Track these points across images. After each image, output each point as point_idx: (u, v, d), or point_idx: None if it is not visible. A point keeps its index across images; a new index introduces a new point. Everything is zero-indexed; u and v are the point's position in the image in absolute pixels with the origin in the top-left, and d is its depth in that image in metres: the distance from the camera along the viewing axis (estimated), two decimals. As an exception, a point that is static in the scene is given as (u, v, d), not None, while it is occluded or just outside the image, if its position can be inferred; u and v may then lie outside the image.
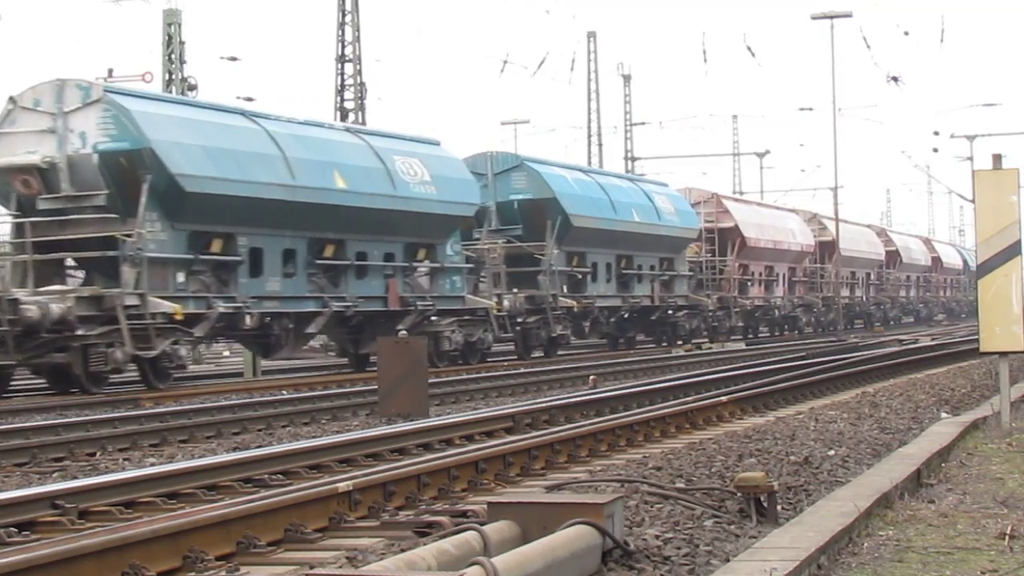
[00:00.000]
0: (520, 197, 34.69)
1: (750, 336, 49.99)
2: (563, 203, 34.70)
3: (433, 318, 30.03)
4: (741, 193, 76.37)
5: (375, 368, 19.98)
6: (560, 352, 36.21)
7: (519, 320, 33.34)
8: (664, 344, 41.89)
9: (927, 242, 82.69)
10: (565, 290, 35.52)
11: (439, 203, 29.96)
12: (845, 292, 60.56)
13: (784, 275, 53.12)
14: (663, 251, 41.28)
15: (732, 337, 46.68)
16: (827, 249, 57.81)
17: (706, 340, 44.98)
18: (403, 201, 28.73)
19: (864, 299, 64.34)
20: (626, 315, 39.64)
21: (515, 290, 33.64)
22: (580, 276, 36.46)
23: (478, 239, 33.81)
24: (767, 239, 49.97)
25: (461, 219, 31.24)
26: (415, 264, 30.07)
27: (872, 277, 65.99)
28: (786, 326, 53.59)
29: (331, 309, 26.93)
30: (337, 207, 26.73)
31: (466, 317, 31.19)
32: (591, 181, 38.37)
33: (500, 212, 34.84)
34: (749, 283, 49.26)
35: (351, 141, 28.87)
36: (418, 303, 29.27)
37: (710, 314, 44.63)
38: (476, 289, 33.21)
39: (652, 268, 40.68)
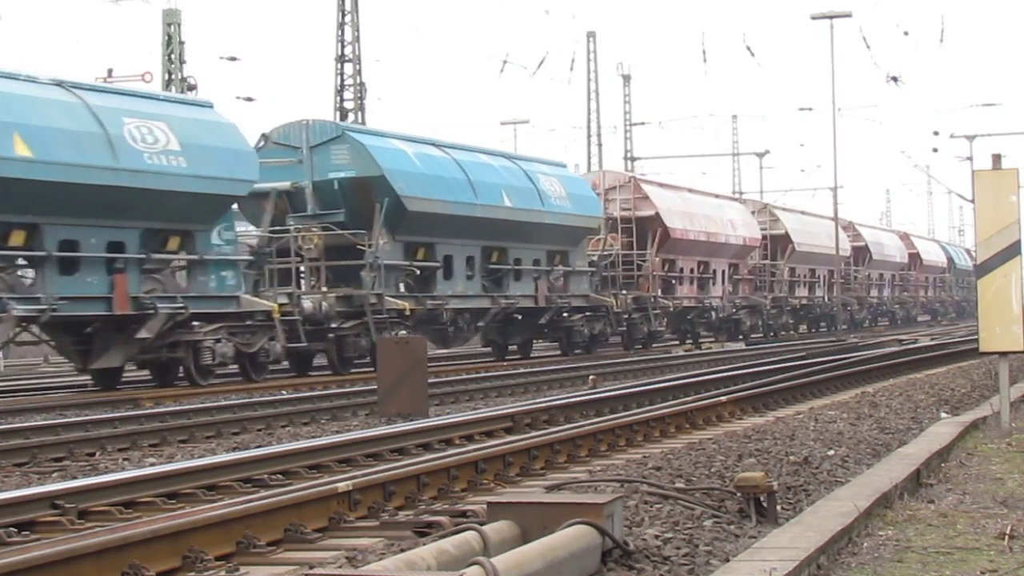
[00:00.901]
0: (341, 175, 28.79)
1: (689, 341, 44.98)
2: (394, 182, 28.43)
3: (195, 324, 24.15)
4: (741, 193, 75.71)
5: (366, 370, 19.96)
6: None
7: (333, 326, 27.65)
8: (560, 353, 36.33)
9: (904, 237, 76.06)
10: (402, 288, 29.85)
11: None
12: (803, 292, 55.91)
13: (724, 272, 46.87)
14: (552, 243, 34.95)
15: (654, 344, 41.06)
16: (780, 244, 52.82)
17: (695, 342, 43.68)
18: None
19: (824, 299, 58.38)
20: (500, 319, 33.72)
21: (324, 289, 28.16)
22: (420, 272, 30.01)
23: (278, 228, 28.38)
24: (698, 230, 43.67)
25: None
26: (164, 255, 24.06)
27: (835, 275, 59.35)
28: (729, 329, 47.70)
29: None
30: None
31: (247, 323, 25.22)
32: (444, 157, 31.43)
33: (318, 193, 28.83)
34: (675, 281, 42.99)
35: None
36: (158, 304, 23.16)
37: (624, 316, 38.48)
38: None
39: (536, 263, 34.34)
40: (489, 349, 36.78)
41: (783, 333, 52.00)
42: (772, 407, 17.39)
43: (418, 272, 29.89)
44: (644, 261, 40.44)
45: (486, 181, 32.02)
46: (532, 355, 36.04)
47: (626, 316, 38.65)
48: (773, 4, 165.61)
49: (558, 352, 36.50)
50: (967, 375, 22.20)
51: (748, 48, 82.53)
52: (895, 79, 56.14)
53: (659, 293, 41.04)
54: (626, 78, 70.96)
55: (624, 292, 38.60)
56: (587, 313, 36.32)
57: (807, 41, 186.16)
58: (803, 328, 56.65)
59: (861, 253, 64.00)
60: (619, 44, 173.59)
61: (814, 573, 6.85)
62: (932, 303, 79.92)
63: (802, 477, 10.10)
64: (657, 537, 7.41)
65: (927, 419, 14.82)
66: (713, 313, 45.63)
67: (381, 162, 28.56)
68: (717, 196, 49.41)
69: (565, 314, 35.30)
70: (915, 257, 74.33)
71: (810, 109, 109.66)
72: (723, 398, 16.64)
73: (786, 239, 53.03)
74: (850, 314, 60.82)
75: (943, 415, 15.39)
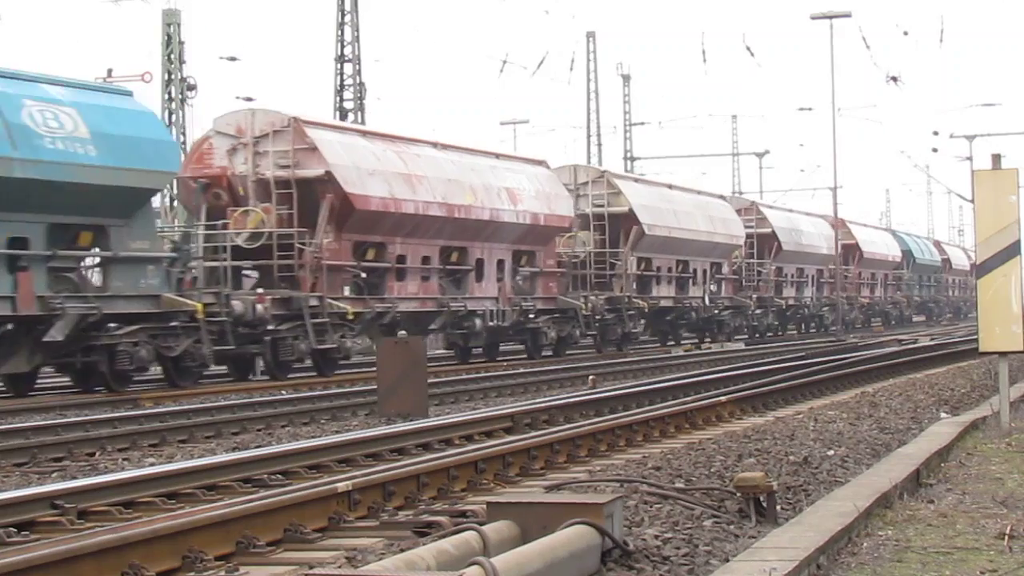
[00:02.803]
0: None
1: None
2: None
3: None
4: (740, 193, 75.54)
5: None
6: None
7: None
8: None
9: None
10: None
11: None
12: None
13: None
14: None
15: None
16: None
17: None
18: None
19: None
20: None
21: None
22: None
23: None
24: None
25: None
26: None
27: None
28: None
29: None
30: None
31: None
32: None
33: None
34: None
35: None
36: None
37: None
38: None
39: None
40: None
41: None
42: (772, 407, 17.39)
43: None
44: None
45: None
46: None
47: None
48: (773, 4, 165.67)
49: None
50: (967, 375, 22.20)
51: (748, 48, 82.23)
52: (895, 79, 56.11)
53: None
54: (626, 78, 70.99)
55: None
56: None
57: (807, 41, 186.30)
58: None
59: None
60: (619, 44, 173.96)
61: (814, 573, 6.85)
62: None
63: (802, 477, 10.10)
64: (657, 537, 7.41)
65: (927, 419, 14.82)
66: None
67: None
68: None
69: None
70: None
71: (810, 109, 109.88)
72: (723, 398, 16.64)
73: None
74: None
75: (943, 415, 15.39)
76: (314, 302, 26.43)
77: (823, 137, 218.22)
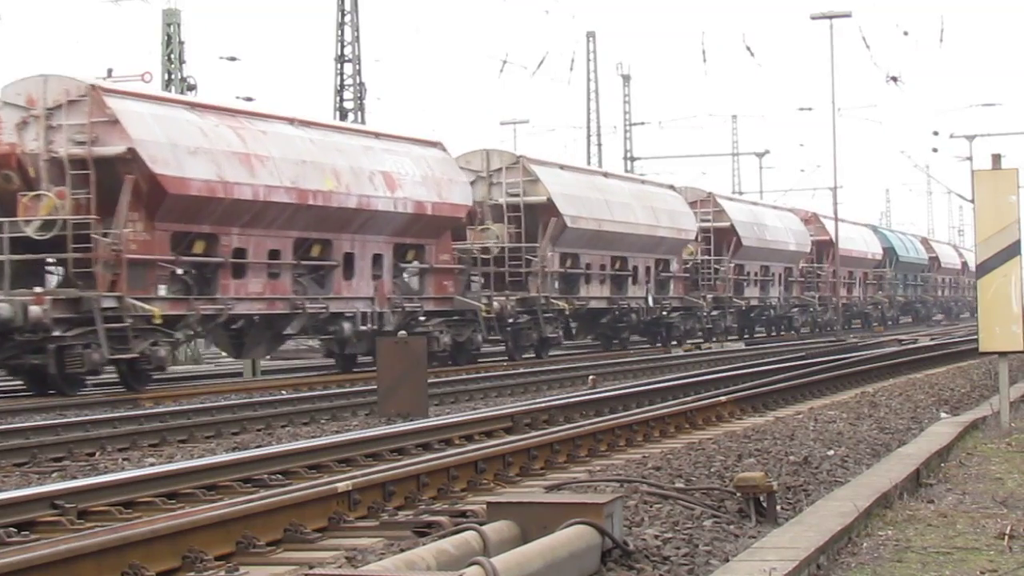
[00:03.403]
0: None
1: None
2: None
3: None
4: (740, 193, 75.44)
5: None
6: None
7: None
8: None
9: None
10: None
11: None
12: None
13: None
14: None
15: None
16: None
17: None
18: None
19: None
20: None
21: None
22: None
23: None
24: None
25: None
26: None
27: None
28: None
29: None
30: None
31: None
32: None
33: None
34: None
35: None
36: None
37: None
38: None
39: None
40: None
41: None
42: (772, 407, 17.39)
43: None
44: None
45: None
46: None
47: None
48: (773, 4, 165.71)
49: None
50: (967, 375, 22.20)
51: (748, 48, 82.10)
52: (895, 79, 56.08)
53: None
54: (626, 78, 71.00)
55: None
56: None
57: (807, 41, 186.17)
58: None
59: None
60: (619, 44, 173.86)
61: (814, 573, 6.85)
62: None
63: (802, 477, 10.10)
64: (657, 537, 7.41)
65: (927, 419, 14.82)
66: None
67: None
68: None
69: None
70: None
71: (810, 109, 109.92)
72: (723, 398, 16.64)
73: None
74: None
75: (943, 415, 15.39)
76: (111, 303, 22.23)
77: (823, 137, 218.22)
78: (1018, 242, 13.37)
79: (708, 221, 45.76)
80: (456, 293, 30.92)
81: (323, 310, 26.72)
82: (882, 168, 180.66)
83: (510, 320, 32.69)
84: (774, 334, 51.83)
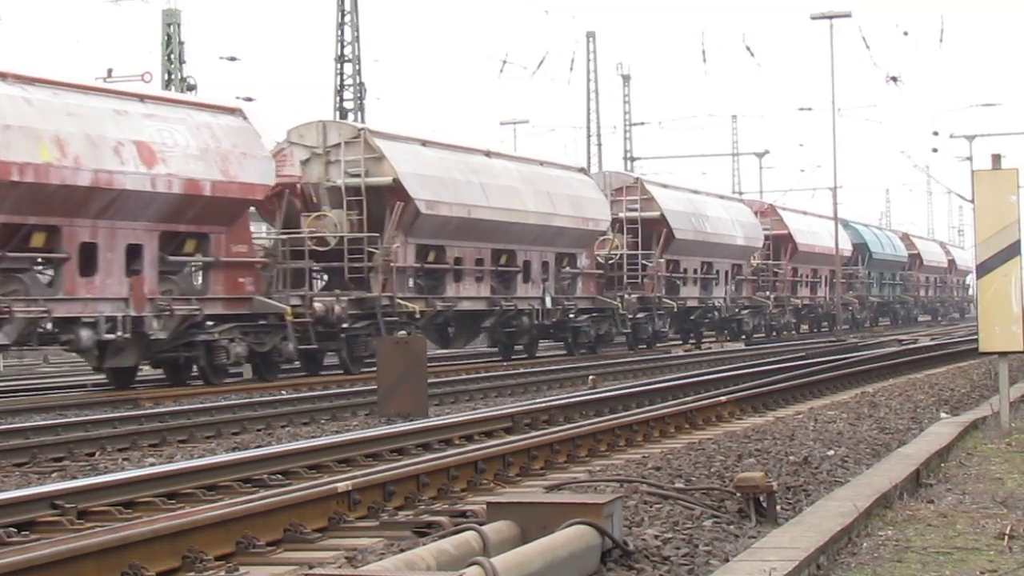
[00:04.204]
0: None
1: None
2: None
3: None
4: (741, 194, 75.22)
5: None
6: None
7: None
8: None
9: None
10: None
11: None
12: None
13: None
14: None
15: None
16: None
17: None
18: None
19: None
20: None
21: None
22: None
23: None
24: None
25: None
26: None
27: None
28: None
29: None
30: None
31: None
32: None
33: None
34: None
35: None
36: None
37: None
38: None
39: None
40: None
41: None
42: (772, 407, 17.39)
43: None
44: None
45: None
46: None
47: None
48: (773, 4, 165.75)
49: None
50: (967, 375, 22.20)
51: (748, 48, 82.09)
52: (895, 79, 56.07)
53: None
54: (626, 78, 71.02)
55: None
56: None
57: (807, 41, 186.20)
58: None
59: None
60: (619, 44, 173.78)
61: (814, 573, 6.85)
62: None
63: (802, 477, 10.10)
64: (657, 537, 7.41)
65: (927, 419, 14.82)
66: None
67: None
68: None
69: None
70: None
71: (810, 109, 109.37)
72: (723, 398, 16.64)
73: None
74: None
75: (943, 415, 15.39)
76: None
77: (823, 137, 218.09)
78: (1018, 242, 13.36)
79: (635, 211, 39.44)
80: (257, 292, 25.39)
81: (44, 314, 21.15)
82: (882, 168, 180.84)
83: (343, 326, 27.23)
84: (727, 336, 46.68)
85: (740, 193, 74.44)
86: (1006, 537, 7.81)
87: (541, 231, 33.56)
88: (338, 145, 28.59)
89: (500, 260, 32.56)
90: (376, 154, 28.52)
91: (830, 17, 51.73)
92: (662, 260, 40.15)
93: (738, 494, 8.51)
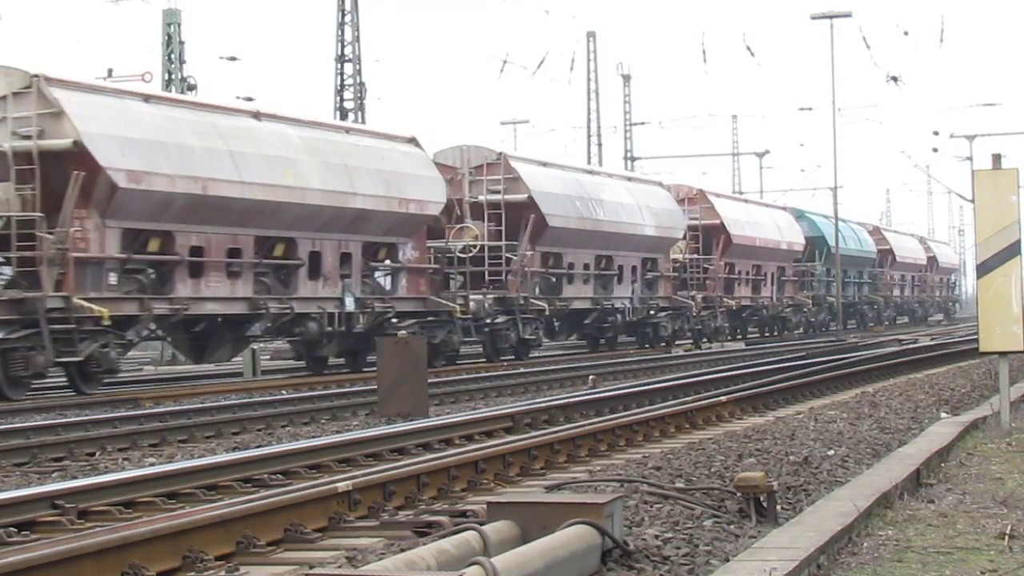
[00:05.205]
0: None
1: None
2: None
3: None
4: (741, 193, 74.81)
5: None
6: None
7: None
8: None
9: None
10: None
11: None
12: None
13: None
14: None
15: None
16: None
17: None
18: None
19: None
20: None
21: None
22: None
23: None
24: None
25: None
26: None
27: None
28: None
29: None
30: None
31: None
32: None
33: None
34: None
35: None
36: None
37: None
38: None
39: None
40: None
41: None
42: (772, 407, 17.39)
43: None
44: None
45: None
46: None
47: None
48: (773, 4, 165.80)
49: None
50: (967, 375, 22.20)
51: (748, 48, 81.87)
52: (895, 79, 56.08)
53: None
54: (626, 78, 70.99)
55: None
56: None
57: (807, 41, 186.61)
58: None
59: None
60: (619, 44, 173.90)
61: (814, 573, 6.85)
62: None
63: (802, 477, 10.10)
64: (657, 537, 7.41)
65: (927, 419, 14.82)
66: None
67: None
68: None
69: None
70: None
71: (810, 109, 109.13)
72: (723, 398, 16.64)
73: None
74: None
75: (943, 415, 15.38)
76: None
77: (823, 137, 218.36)
78: (1018, 242, 13.36)
79: (497, 193, 34.18)
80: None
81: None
82: (882, 168, 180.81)
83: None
84: (630, 348, 39.91)
85: (740, 193, 73.96)
86: (1006, 537, 7.80)
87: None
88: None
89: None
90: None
91: (830, 17, 51.73)
92: (531, 253, 33.87)
93: (738, 494, 8.50)
